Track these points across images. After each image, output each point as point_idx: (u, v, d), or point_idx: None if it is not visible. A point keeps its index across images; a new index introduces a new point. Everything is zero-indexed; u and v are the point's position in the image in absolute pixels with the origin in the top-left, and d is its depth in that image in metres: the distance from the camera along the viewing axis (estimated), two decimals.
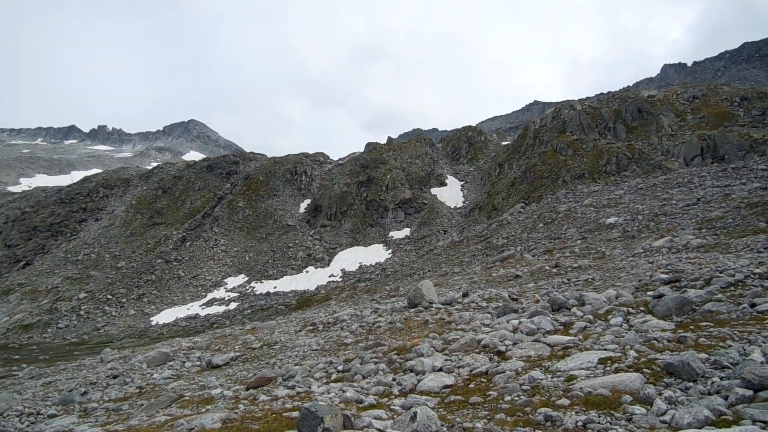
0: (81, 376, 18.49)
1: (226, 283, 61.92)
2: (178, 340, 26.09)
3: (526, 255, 31.12)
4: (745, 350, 6.12)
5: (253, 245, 69.75)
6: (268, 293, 57.11)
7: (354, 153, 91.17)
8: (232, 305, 54.93)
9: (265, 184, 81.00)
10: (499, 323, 11.22)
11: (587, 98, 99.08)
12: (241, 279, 62.67)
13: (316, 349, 14.00)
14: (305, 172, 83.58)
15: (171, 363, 16.90)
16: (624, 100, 62.85)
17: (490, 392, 6.33)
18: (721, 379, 5.28)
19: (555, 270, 22.51)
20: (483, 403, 6.06)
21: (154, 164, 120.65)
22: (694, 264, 16.15)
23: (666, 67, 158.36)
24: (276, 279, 61.06)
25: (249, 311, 51.21)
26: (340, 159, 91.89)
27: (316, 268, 62.55)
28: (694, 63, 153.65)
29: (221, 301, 56.63)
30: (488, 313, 13.66)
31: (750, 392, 4.69)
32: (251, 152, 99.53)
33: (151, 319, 54.61)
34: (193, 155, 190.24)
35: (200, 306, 56.38)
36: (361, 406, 6.91)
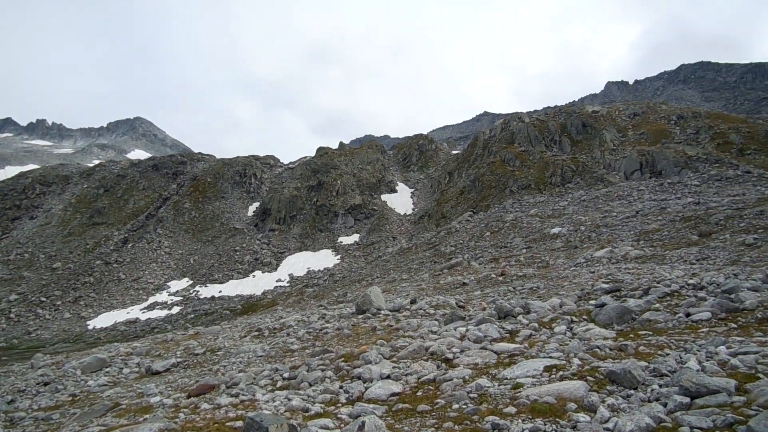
0: (8, 383, 17.46)
1: (169, 287, 60.12)
2: (117, 345, 25.07)
3: (473, 263, 31.55)
4: (681, 358, 6.35)
5: (198, 248, 68.06)
6: (212, 297, 55.79)
7: (305, 157, 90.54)
8: (175, 309, 53.37)
9: (213, 185, 79.32)
10: (446, 330, 11.28)
11: (535, 111, 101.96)
12: (185, 282, 60.99)
13: (261, 356, 13.71)
14: (255, 174, 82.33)
15: (108, 369, 16.19)
16: (570, 114, 64.95)
17: (438, 400, 6.33)
18: (660, 386, 5.45)
19: (501, 278, 22.89)
20: (431, 411, 6.04)
21: (97, 162, 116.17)
22: (632, 274, 16.74)
23: (609, 85, 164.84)
24: (221, 283, 59.75)
25: (192, 316, 49.87)
26: (290, 163, 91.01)
27: (263, 272, 61.58)
28: (636, 81, 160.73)
29: (163, 305, 54.92)
30: (436, 320, 13.72)
31: (687, 399, 4.85)
32: (199, 153, 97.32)
33: (87, 323, 52.39)
34: (139, 154, 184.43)
35: (141, 310, 54.52)
36: (307, 414, 6.77)
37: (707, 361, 6.09)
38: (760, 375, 5.28)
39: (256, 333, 18.15)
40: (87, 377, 15.37)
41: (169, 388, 11.66)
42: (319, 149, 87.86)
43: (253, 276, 60.92)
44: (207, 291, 57.98)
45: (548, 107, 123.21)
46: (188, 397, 9.77)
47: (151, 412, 9.07)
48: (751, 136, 50.05)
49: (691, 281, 12.38)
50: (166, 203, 77.11)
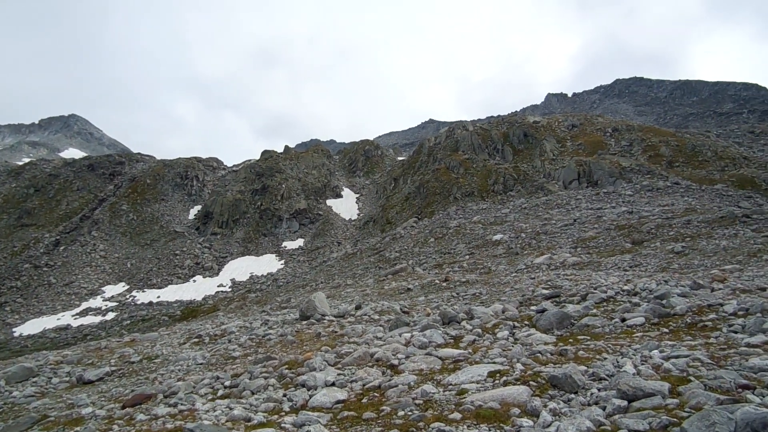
0: None
1: (104, 292, 57.67)
2: (45, 353, 23.79)
3: (417, 268, 31.80)
4: (618, 362, 6.56)
5: (136, 252, 65.67)
6: (150, 303, 53.91)
7: (249, 160, 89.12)
8: (110, 315, 51.24)
9: (153, 187, 76.82)
10: (391, 336, 11.28)
11: (479, 120, 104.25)
12: (120, 287, 58.68)
13: (201, 363, 13.32)
14: (197, 177, 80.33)
15: (35, 379, 15.30)
16: (512, 124, 66.72)
17: (384, 407, 6.29)
18: (599, 390, 5.60)
19: (444, 284, 23.17)
20: (377, 418, 6.00)
21: (27, 160, 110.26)
22: (571, 280, 17.29)
23: (549, 96, 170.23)
24: (160, 288, 57.84)
25: (128, 322, 48.01)
26: (234, 165, 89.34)
27: (204, 277, 60.05)
28: (574, 94, 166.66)
29: (97, 311, 52.63)
30: (381, 326, 13.73)
31: (625, 403, 5.00)
32: (138, 153, 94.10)
33: (13, 330, 49.56)
34: (73, 153, 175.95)
35: (73, 316, 52.03)
36: (249, 424, 6.59)
37: (642, 365, 6.32)
38: (691, 378, 5.51)
39: (196, 340, 17.63)
40: (12, 388, 14.48)
41: (102, 399, 11.14)
42: (264, 152, 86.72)
43: (194, 281, 59.32)
44: (144, 296, 55.99)
45: (491, 116, 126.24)
46: (123, 407, 9.36)
47: (83, 424, 8.63)
48: (680, 149, 52.83)
49: (625, 287, 12.88)
50: (102, 205, 74.12)
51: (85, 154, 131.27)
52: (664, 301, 10.23)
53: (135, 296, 56.15)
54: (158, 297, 55.44)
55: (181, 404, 8.50)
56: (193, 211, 74.87)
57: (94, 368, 15.25)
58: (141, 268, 62.28)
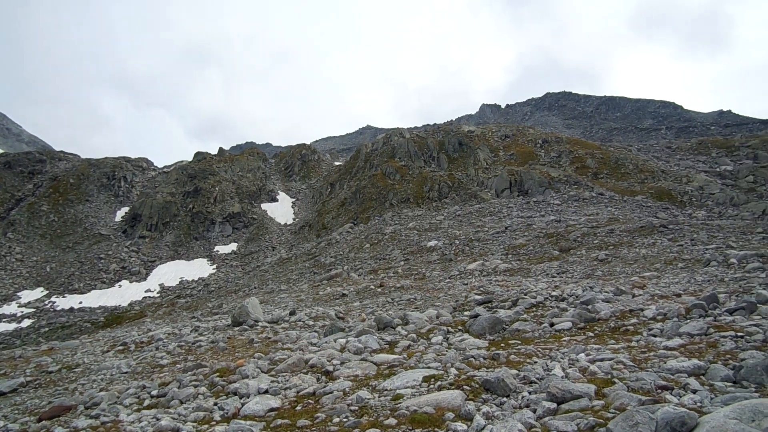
0: None
1: (20, 297, 54.14)
2: None
3: (352, 274, 31.77)
4: (548, 366, 6.79)
5: (56, 255, 62.12)
6: (71, 309, 51.08)
7: (181, 161, 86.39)
8: (26, 322, 48.14)
9: (76, 187, 73.02)
10: (326, 342, 11.21)
11: (415, 128, 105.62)
12: (38, 293, 55.26)
13: (126, 372, 12.73)
14: (125, 177, 77.04)
15: None
16: (447, 132, 68.01)
17: (318, 414, 6.22)
18: (530, 393, 5.77)
19: (380, 289, 23.26)
20: (311, 426, 5.92)
21: None
22: (502, 286, 17.75)
23: (484, 107, 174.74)
24: (82, 293, 54.91)
25: (47, 329, 45.28)
26: (165, 167, 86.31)
27: (130, 282, 57.52)
28: (507, 105, 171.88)
29: (12, 318, 49.33)
30: (315, 331, 13.60)
31: (554, 405, 5.17)
32: (61, 151, 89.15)
33: None
34: None
35: None
36: None
37: (570, 368, 6.55)
38: (615, 380, 5.76)
39: (121, 347, 16.85)
40: None
41: (16, 411, 10.44)
42: (197, 154, 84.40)
43: (120, 286, 56.71)
44: (65, 302, 52.99)
45: (428, 124, 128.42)
46: (39, 420, 8.80)
47: None
48: (604, 162, 55.45)
49: (553, 293, 13.36)
50: (20, 205, 69.76)
51: (2, 151, 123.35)
52: (589, 307, 10.67)
53: (54, 302, 53.07)
54: (80, 303, 52.64)
55: (104, 416, 8.08)
56: (120, 213, 71.73)
57: (7, 379, 14.28)
58: (62, 272, 58.97)
